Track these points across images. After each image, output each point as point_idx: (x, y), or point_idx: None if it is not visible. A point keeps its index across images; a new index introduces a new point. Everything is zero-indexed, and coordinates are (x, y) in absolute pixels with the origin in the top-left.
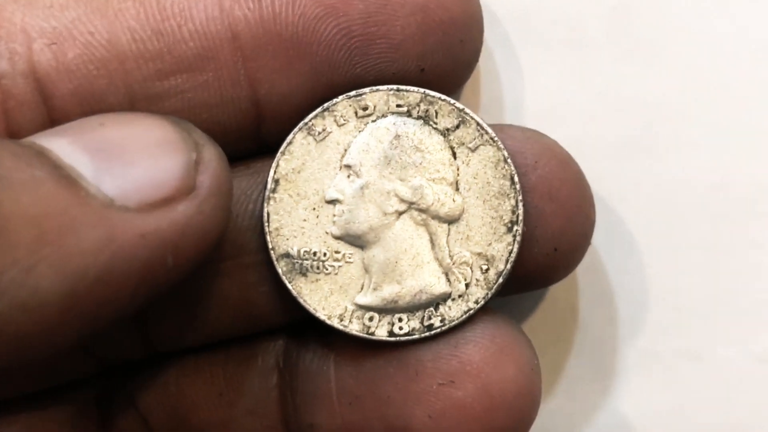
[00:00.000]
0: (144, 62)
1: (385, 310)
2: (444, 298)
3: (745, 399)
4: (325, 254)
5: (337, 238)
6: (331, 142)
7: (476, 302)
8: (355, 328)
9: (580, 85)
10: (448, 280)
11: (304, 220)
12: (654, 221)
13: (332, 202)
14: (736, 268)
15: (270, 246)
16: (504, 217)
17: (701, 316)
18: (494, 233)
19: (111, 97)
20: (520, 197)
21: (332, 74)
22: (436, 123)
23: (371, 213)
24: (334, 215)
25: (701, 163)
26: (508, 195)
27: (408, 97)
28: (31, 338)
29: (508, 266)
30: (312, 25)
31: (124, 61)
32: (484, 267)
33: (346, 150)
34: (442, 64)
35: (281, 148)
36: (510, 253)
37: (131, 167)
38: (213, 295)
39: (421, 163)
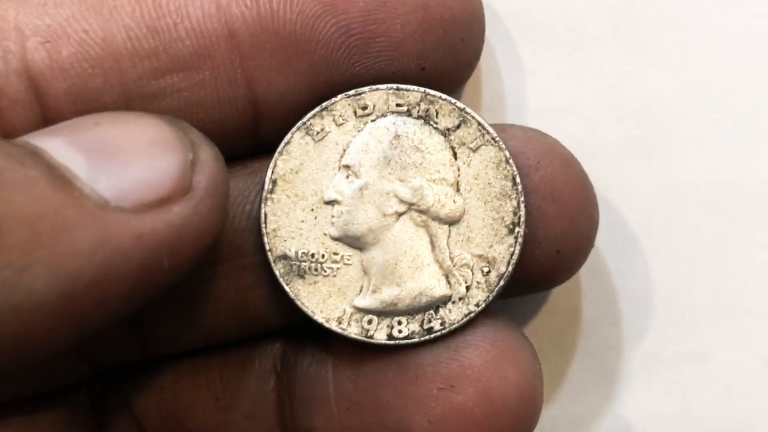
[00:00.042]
0: (139, 60)
1: (385, 313)
2: (444, 300)
3: (752, 403)
4: (323, 256)
5: (335, 239)
6: (329, 142)
7: (477, 305)
8: (353, 331)
9: (583, 84)
10: (449, 283)
11: (302, 221)
12: (658, 222)
13: (331, 203)
14: (741, 269)
15: (267, 247)
16: (505, 219)
17: (707, 318)
18: (495, 235)
19: (106, 96)
20: (521, 198)
21: (331, 73)
22: (436, 123)
23: (370, 214)
24: (333, 216)
25: (706, 163)
26: (509, 196)
27: (408, 97)
28: (25, 341)
29: (510, 268)
30: (310, 22)
31: (120, 60)
32: (485, 269)
33: (345, 150)
34: (443, 62)
35: (279, 148)
36: (511, 255)
37: (126, 167)
38: (209, 298)
39: (421, 164)
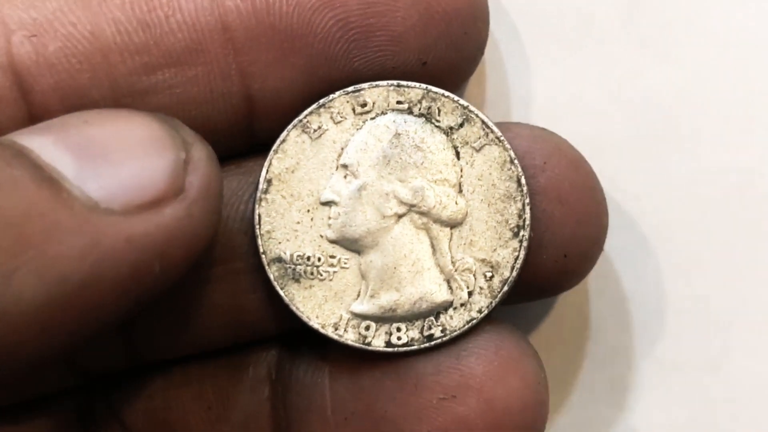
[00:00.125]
0: (129, 55)
1: (383, 318)
2: (445, 306)
3: None
4: (319, 259)
5: (332, 242)
6: (327, 141)
7: (479, 311)
8: (350, 337)
9: (591, 81)
10: (450, 288)
11: (298, 223)
12: (670, 225)
13: (328, 203)
14: (757, 274)
15: (261, 250)
16: (510, 222)
17: (721, 324)
18: (499, 238)
19: (94, 92)
20: (527, 200)
21: (329, 68)
22: (438, 121)
23: (369, 216)
24: (330, 218)
25: (720, 163)
26: (514, 198)
27: (409, 93)
28: (11, 347)
29: (514, 273)
30: (308, 16)
31: (109, 55)
32: (488, 274)
33: (343, 149)
34: (446, 57)
35: (274, 147)
36: (516, 259)
37: (116, 167)
38: (202, 302)
39: (422, 164)
